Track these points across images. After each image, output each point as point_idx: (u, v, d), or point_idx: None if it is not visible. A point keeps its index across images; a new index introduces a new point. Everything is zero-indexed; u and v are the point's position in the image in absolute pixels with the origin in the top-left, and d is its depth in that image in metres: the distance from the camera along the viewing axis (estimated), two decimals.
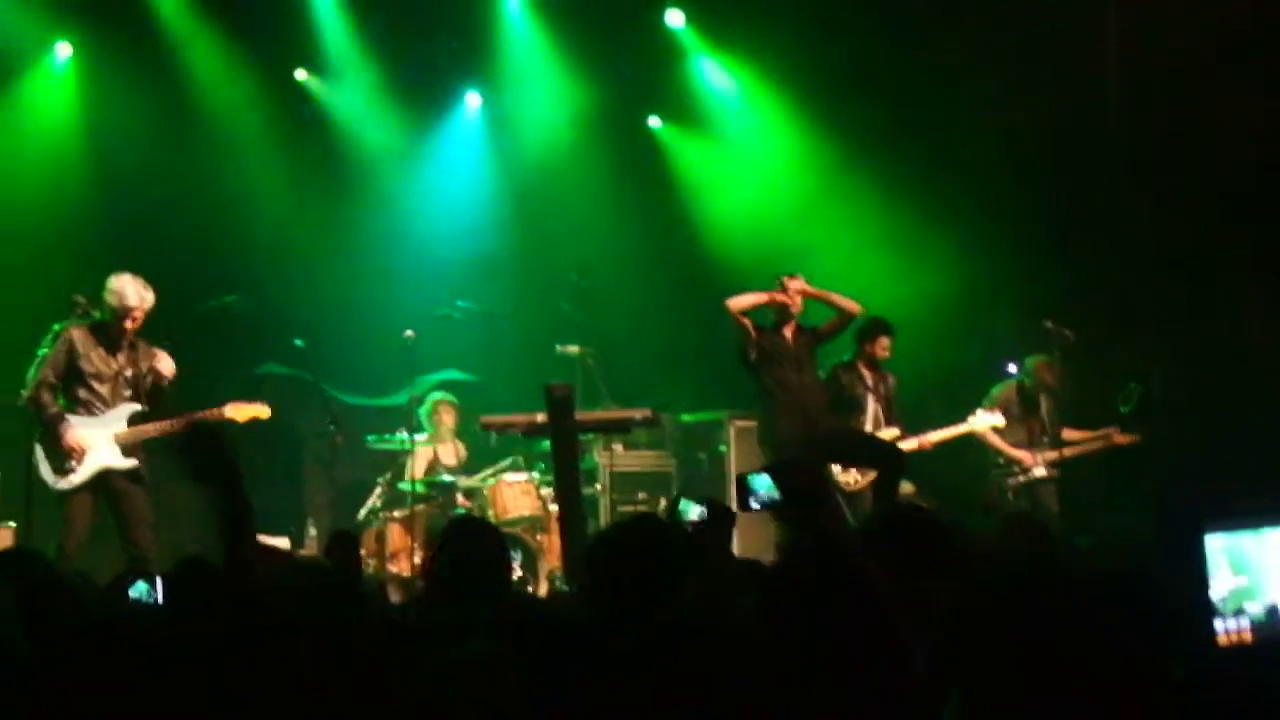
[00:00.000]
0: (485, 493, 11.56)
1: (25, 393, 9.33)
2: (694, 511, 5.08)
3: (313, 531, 12.22)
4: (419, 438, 11.77)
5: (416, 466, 11.63)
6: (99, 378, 9.40)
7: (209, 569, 4.92)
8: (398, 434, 11.76)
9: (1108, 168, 12.82)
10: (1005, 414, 11.67)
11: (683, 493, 5.02)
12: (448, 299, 12.48)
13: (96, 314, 9.46)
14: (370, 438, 11.99)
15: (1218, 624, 3.33)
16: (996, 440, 11.79)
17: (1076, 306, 11.97)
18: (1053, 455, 11.71)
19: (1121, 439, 11.84)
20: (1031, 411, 11.89)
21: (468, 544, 4.80)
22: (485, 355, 12.90)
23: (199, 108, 13.12)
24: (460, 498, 11.72)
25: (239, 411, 9.79)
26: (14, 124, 12.75)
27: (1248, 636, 3.38)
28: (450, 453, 12.22)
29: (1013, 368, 12.12)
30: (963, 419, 11.60)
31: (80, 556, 8.96)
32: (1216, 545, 3.42)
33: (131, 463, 9.41)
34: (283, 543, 11.10)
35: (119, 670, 3.37)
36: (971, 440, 11.74)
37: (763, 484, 4.58)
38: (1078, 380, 11.85)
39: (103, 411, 9.41)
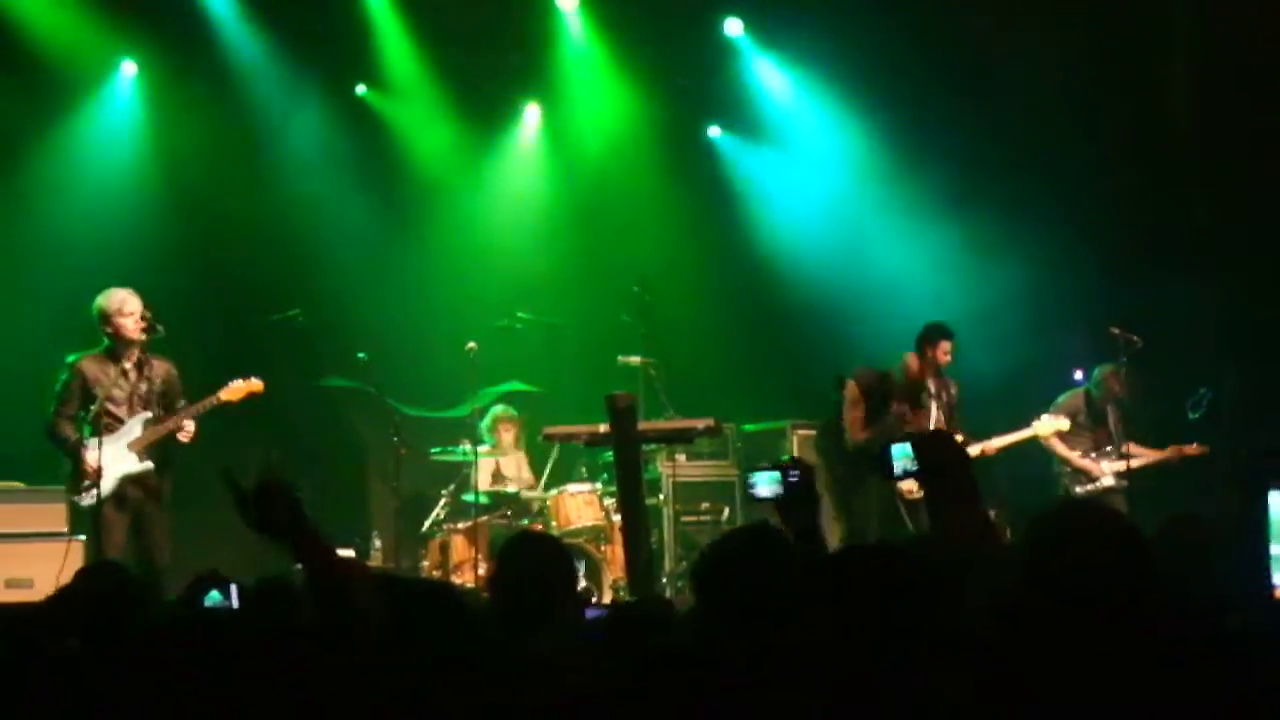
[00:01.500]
0: (548, 503, 11.59)
1: (47, 426, 9.64)
2: (764, 486, 4.77)
3: (378, 543, 12.28)
4: (482, 449, 11.82)
5: (480, 478, 11.67)
6: (114, 400, 9.65)
7: (287, 587, 4.91)
8: (461, 446, 11.80)
9: (1179, 173, 12.75)
10: (1072, 422, 11.59)
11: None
12: (509, 311, 12.51)
13: (101, 346, 9.70)
14: (434, 450, 12.04)
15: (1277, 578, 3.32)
16: (1063, 449, 11.71)
17: (1144, 313, 11.87)
18: (1120, 466, 11.62)
19: (1190, 451, 11.73)
20: (1099, 421, 11.80)
21: (526, 563, 4.72)
22: (547, 366, 12.91)
23: (260, 123, 13.19)
24: (524, 509, 11.76)
25: (233, 393, 9.94)
26: (83, 141, 12.87)
27: None
28: (513, 464, 12.26)
29: (1079, 375, 12.04)
30: (1027, 424, 11.54)
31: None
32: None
33: (148, 465, 9.64)
34: (349, 555, 11.16)
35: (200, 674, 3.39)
36: (1037, 449, 11.66)
37: (902, 453, 4.52)
38: (1145, 386, 11.75)
39: (120, 429, 9.65)
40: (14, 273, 12.30)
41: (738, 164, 14.40)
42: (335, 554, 4.22)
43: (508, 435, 12.25)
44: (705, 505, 12.24)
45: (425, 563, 11.62)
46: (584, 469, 11.85)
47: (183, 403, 9.86)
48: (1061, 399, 11.85)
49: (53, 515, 10.09)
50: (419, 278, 13.58)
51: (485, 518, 11.39)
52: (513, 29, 13.60)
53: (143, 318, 9.62)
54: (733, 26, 13.91)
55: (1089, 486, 11.73)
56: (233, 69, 13.11)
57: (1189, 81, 12.61)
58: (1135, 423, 11.76)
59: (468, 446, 11.68)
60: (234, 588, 5.06)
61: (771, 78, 14.11)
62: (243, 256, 12.52)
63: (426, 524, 11.82)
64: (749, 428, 12.62)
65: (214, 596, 5.03)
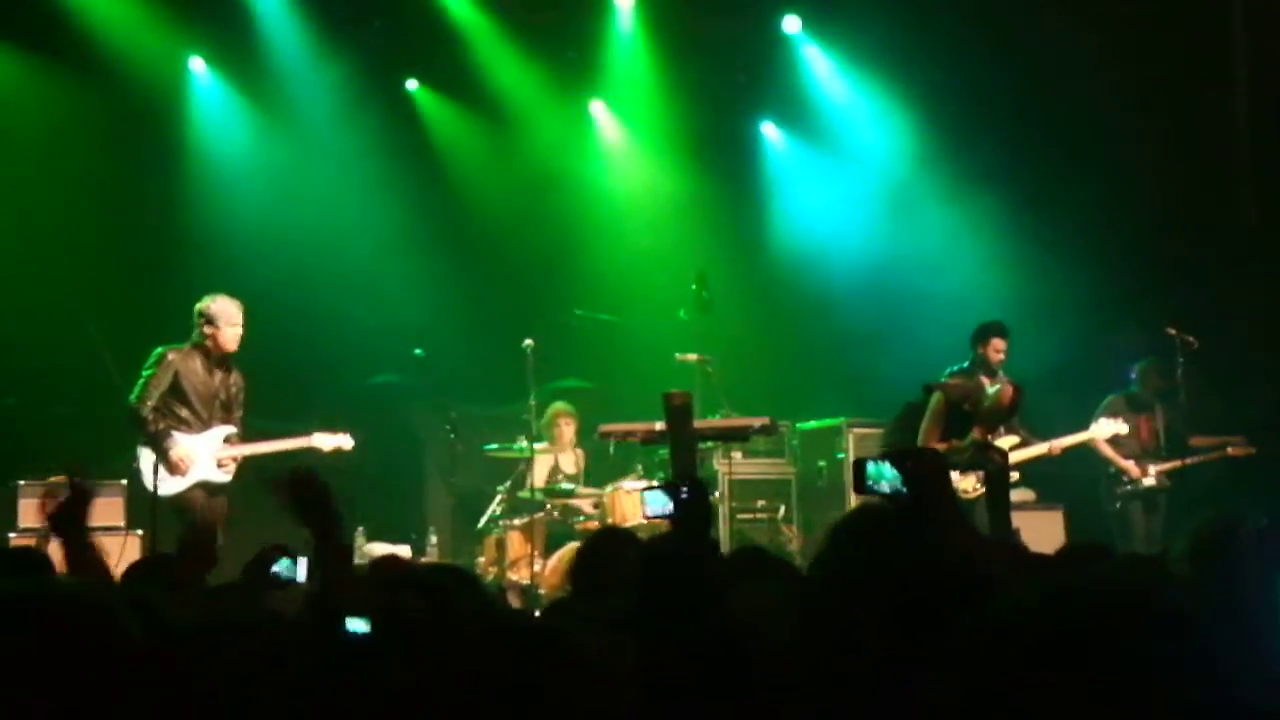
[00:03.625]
0: (605, 501, 11.58)
1: (129, 408, 9.72)
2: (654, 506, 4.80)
3: (434, 539, 12.31)
4: (538, 446, 11.82)
5: (536, 475, 11.68)
6: (199, 399, 9.86)
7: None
8: (517, 442, 11.81)
9: (1236, 176, 12.65)
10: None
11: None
12: (566, 307, 12.53)
13: (191, 340, 9.88)
14: (490, 446, 12.06)
15: None
16: (1107, 450, 11.67)
17: (1200, 313, 11.79)
18: (1166, 466, 11.56)
19: (1238, 451, 11.63)
20: (1143, 417, 11.75)
21: (609, 553, 4.88)
22: (603, 363, 12.92)
23: (316, 118, 13.28)
24: (581, 505, 11.77)
25: (324, 441, 10.22)
26: (154, 140, 13.02)
27: None
28: (570, 461, 12.27)
29: (1133, 376, 12.00)
30: (1084, 426, 11.51)
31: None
32: None
33: (226, 477, 9.88)
34: (404, 551, 11.20)
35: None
36: (1088, 449, 11.63)
37: (884, 473, 4.46)
38: (1202, 387, 11.66)
39: (200, 430, 9.85)
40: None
41: (795, 160, 14.39)
42: (347, 551, 4.42)
43: (568, 430, 12.25)
44: (761, 503, 12.23)
45: (481, 559, 11.64)
46: (640, 467, 11.84)
47: (241, 412, 10.07)
48: (1105, 403, 11.80)
49: (110, 509, 10.20)
50: (476, 274, 13.62)
51: (541, 514, 11.39)
52: (571, 24, 13.63)
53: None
54: (790, 24, 13.89)
55: (1128, 487, 11.68)
56: (288, 65, 13.20)
57: (1246, 81, 12.50)
58: (1192, 423, 11.66)
59: (524, 443, 11.69)
60: (302, 561, 5.08)
61: (828, 74, 14.07)
62: (300, 250, 12.58)
63: (483, 520, 11.84)
64: (805, 426, 12.60)
65: (285, 563, 5.05)
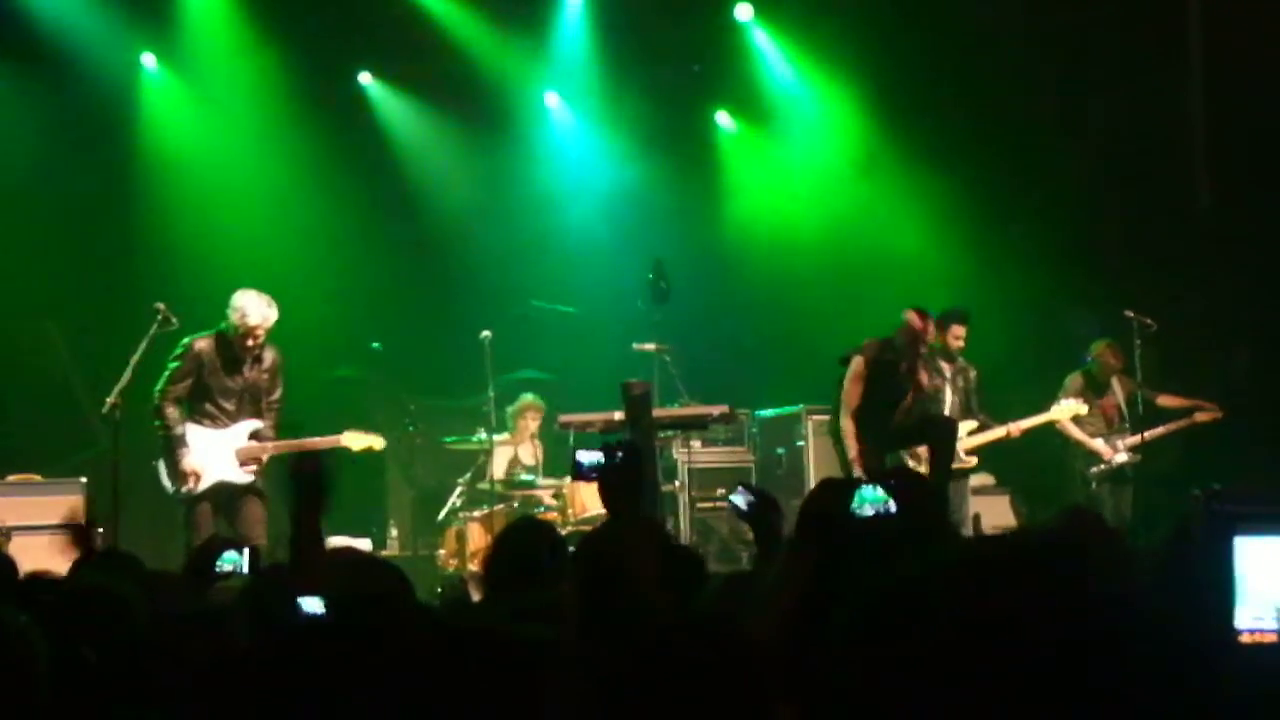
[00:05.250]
0: (564, 491, 11.60)
1: (153, 403, 9.58)
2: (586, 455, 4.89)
3: (394, 532, 12.33)
4: (498, 438, 11.84)
5: (496, 466, 11.70)
6: (224, 393, 9.67)
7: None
8: (476, 434, 11.83)
9: (1190, 159, 12.75)
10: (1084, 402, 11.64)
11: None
12: (523, 299, 12.54)
13: (220, 327, 9.69)
14: (448, 439, 12.06)
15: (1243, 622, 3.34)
16: (1075, 432, 11.73)
17: (1157, 299, 11.89)
18: (1133, 440, 11.65)
19: (1205, 416, 11.69)
20: (1102, 396, 11.84)
21: (521, 543, 4.92)
22: (562, 354, 12.93)
23: (270, 112, 13.24)
24: (541, 497, 11.79)
25: (354, 440, 10.06)
26: (108, 137, 12.96)
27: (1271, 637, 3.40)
28: (530, 453, 12.29)
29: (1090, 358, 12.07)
30: (1043, 408, 11.58)
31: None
32: (1252, 546, 3.43)
33: (248, 477, 9.68)
34: (365, 544, 11.20)
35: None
36: (1047, 430, 11.70)
37: (868, 495, 4.49)
38: (1160, 368, 11.76)
39: (226, 425, 9.68)
40: None
41: (751, 151, 14.41)
42: (320, 536, 4.52)
43: (534, 423, 12.27)
44: (721, 491, 12.20)
45: (441, 551, 11.65)
46: None
47: (280, 392, 9.87)
48: (1066, 382, 11.88)
49: (71, 508, 10.13)
50: (433, 266, 13.62)
51: (501, 506, 11.41)
52: (524, 14, 13.65)
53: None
54: (743, 11, 13.92)
55: (1100, 467, 11.75)
56: (231, 57, 13.18)
57: (1200, 64, 12.59)
58: (1155, 406, 11.75)
59: (483, 434, 11.70)
60: (247, 552, 5.14)
61: (780, 63, 14.11)
62: (257, 246, 12.54)
63: (443, 513, 11.85)
64: (764, 414, 12.63)
65: (231, 558, 5.11)
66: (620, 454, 4.57)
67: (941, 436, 10.39)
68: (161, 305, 9.69)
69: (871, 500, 4.25)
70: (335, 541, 10.61)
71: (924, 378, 10.48)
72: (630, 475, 4.54)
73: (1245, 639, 3.35)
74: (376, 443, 10.20)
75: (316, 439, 9.93)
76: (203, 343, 9.62)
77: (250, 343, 9.65)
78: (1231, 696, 2.61)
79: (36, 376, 12.14)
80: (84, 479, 10.36)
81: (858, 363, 10.45)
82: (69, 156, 12.55)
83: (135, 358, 9.52)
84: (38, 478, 10.58)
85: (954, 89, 13.03)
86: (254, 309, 9.62)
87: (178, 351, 9.62)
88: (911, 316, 10.47)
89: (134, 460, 9.78)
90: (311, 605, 3.59)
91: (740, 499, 5.02)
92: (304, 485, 4.37)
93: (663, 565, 4.18)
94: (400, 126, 13.99)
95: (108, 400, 9.52)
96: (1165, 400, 11.69)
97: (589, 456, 4.80)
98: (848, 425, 10.39)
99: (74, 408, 10.80)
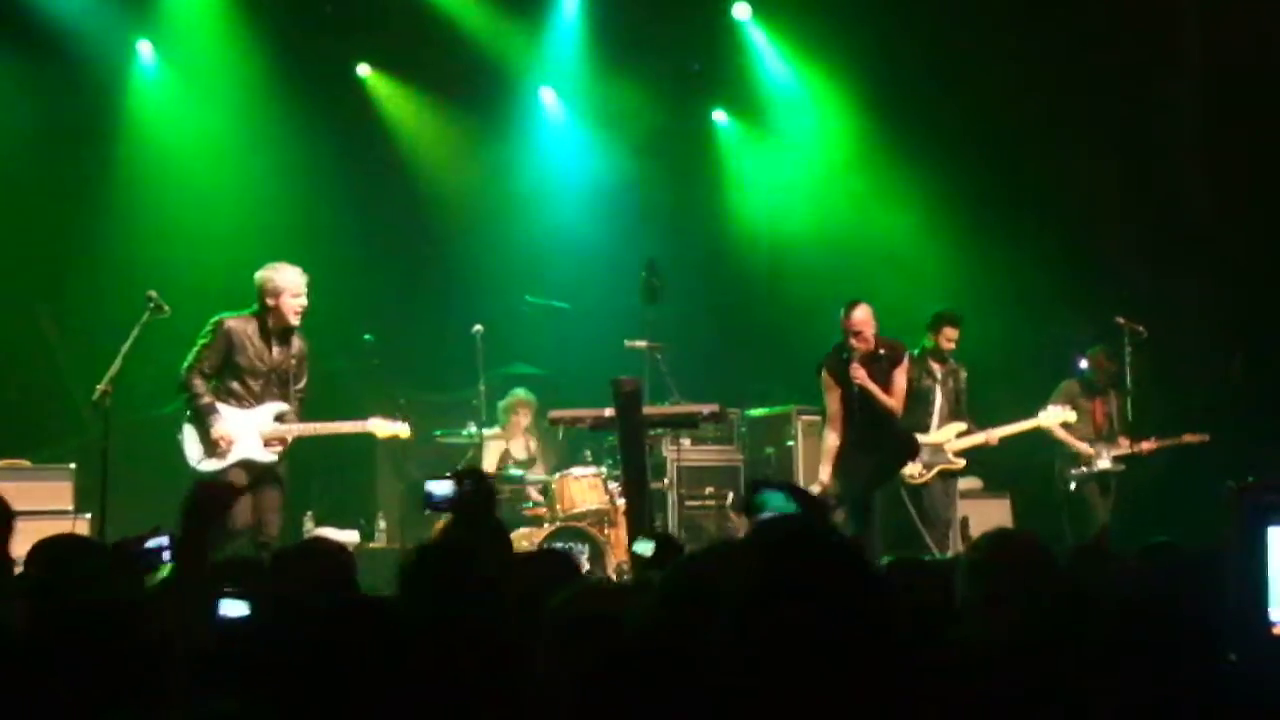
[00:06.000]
0: (553, 487, 11.60)
1: (180, 376, 9.49)
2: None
3: (383, 524, 12.32)
4: (489, 432, 11.85)
5: (487, 460, 11.70)
6: (253, 373, 9.59)
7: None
8: (467, 428, 11.83)
9: (1186, 164, 12.75)
10: (1074, 408, 11.65)
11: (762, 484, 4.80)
12: (516, 294, 12.55)
13: (251, 309, 9.62)
14: (439, 432, 12.07)
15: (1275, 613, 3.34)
16: (1061, 432, 11.77)
17: (1149, 303, 11.92)
18: (1120, 450, 11.68)
19: (1194, 438, 11.73)
20: (1097, 400, 11.86)
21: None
22: (553, 350, 12.94)
23: (266, 102, 13.22)
24: (529, 492, 11.81)
25: (381, 427, 10.02)
26: (101, 125, 12.95)
27: None
28: (521, 447, 12.30)
29: (1084, 364, 12.08)
30: (1031, 414, 11.60)
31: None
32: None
33: (272, 457, 9.60)
34: (352, 536, 11.21)
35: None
36: (1040, 436, 11.73)
37: (771, 500, 4.50)
38: (1152, 376, 11.78)
39: (251, 405, 9.59)
40: None
41: (746, 149, 14.43)
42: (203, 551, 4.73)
43: (525, 419, 12.27)
44: (709, 490, 12.24)
45: None
46: (589, 453, 11.86)
47: (306, 381, 9.82)
48: (1059, 389, 11.90)
49: (59, 493, 10.14)
50: (426, 259, 13.62)
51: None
52: (521, 12, 13.66)
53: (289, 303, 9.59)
54: (740, 11, 13.93)
55: (1082, 469, 11.78)
56: (228, 48, 13.18)
57: (1197, 69, 12.60)
58: (1146, 413, 11.77)
59: (473, 428, 11.71)
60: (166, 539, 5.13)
61: (777, 62, 14.11)
62: (246, 236, 12.51)
63: None
64: (754, 413, 12.64)
65: (159, 541, 5.08)
66: (469, 483, 4.63)
67: (892, 449, 10.37)
68: (154, 293, 9.62)
69: (775, 505, 4.31)
70: (323, 533, 10.66)
71: (860, 372, 10.35)
72: (480, 505, 4.59)
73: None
74: (403, 431, 10.13)
75: (345, 423, 9.91)
76: (233, 321, 9.57)
77: (294, 315, 9.58)
78: (1266, 686, 2.62)
79: (26, 362, 12.12)
80: (73, 465, 10.37)
81: (826, 377, 10.50)
82: (62, 142, 12.54)
83: (126, 345, 9.42)
84: (26, 463, 10.57)
85: (949, 87, 13.04)
86: (296, 279, 9.61)
87: (207, 329, 9.55)
88: (844, 312, 10.50)
89: (123, 448, 9.74)
90: (233, 609, 3.62)
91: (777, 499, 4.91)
92: (201, 506, 4.42)
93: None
94: (396, 119, 14.00)
95: (98, 388, 9.46)
96: (1151, 446, 11.69)
97: (440, 488, 4.85)
98: (826, 437, 10.47)
99: (64, 394, 10.75)
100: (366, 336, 11.79)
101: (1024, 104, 12.92)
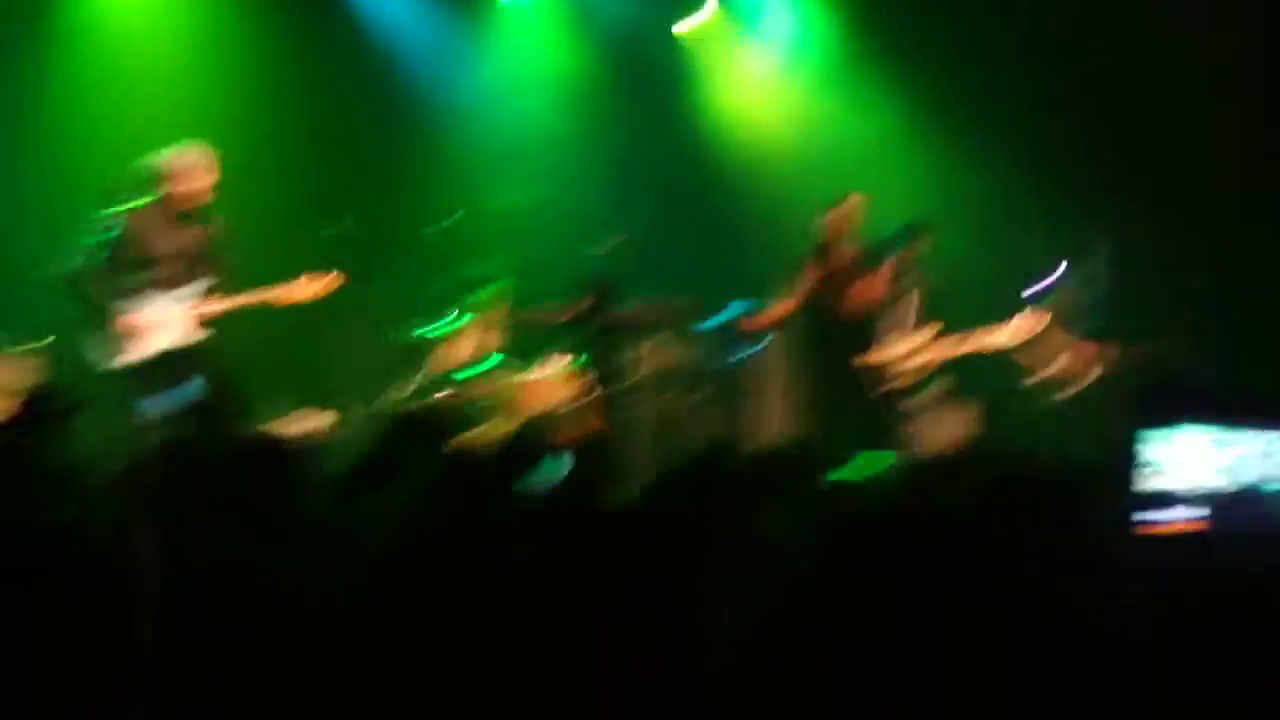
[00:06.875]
0: (516, 383, 11.52)
1: (73, 274, 9.17)
2: None
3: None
4: (456, 327, 11.78)
5: (446, 359, 11.64)
6: (157, 262, 9.29)
7: None
8: (429, 326, 11.76)
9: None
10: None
11: None
12: (483, 194, 12.46)
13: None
14: (400, 329, 11.99)
15: (1172, 512, 3.37)
16: (1028, 348, 11.74)
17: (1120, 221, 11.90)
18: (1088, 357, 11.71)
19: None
20: (1062, 317, 11.87)
21: None
22: (521, 250, 12.85)
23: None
24: (490, 387, 11.75)
25: (306, 289, 9.69)
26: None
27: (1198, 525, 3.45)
28: (487, 343, 12.20)
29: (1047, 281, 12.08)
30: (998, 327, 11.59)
31: None
32: (1191, 438, 3.45)
33: (198, 337, 9.37)
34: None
35: None
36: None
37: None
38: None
39: (164, 292, 9.31)
40: None
41: (718, 49, 14.27)
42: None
43: (497, 313, 12.18)
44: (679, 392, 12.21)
45: None
46: (555, 352, 11.78)
47: (216, 266, 9.50)
48: (1024, 306, 11.90)
49: None
50: (386, 159, 13.55)
51: (450, 392, 11.35)
52: None
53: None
54: None
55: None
56: None
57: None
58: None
59: (441, 322, 11.66)
60: None
61: None
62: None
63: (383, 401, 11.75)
64: (726, 315, 12.57)
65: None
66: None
67: None
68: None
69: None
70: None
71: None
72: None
73: (1175, 528, 3.37)
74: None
75: (266, 291, 9.62)
76: (133, 213, 9.29)
77: (184, 200, 9.33)
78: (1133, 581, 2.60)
79: None
80: None
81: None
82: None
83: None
84: None
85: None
86: (181, 165, 9.34)
87: (98, 227, 9.25)
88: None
89: None
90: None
91: None
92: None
93: None
94: (364, 14, 13.79)
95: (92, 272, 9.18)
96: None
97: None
98: None
99: None
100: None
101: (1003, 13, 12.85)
